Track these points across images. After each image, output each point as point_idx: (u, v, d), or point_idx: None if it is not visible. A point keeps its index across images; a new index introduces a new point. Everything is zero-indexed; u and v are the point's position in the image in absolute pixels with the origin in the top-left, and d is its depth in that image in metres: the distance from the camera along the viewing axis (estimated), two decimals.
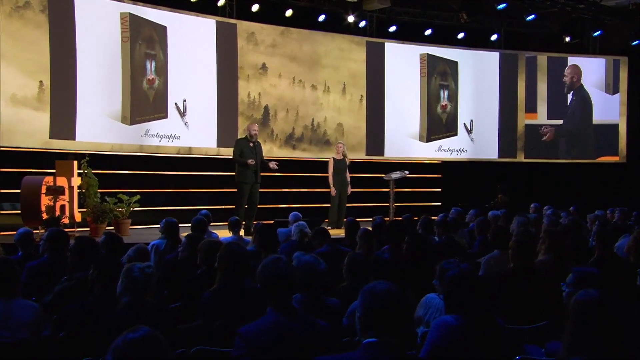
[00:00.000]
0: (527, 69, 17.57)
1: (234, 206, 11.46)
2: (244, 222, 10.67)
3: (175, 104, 13.42)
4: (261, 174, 11.68)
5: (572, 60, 17.77)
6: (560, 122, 17.73)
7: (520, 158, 17.59)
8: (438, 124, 16.85)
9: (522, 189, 16.14)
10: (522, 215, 8.56)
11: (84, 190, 11.22)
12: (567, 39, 16.15)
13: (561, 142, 17.79)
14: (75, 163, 11.11)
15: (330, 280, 4.68)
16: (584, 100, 17.83)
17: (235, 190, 11.52)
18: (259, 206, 11.67)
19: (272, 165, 11.69)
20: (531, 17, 15.93)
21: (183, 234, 6.93)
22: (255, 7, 14.46)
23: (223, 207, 12.64)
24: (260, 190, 11.62)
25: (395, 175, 13.51)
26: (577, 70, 17.78)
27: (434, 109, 16.79)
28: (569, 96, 17.83)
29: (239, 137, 12.60)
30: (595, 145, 17.92)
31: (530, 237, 6.40)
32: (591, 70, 17.92)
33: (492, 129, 17.33)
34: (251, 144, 11.52)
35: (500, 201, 15.48)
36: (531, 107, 17.57)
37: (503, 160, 17.43)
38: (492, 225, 7.92)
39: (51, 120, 11.56)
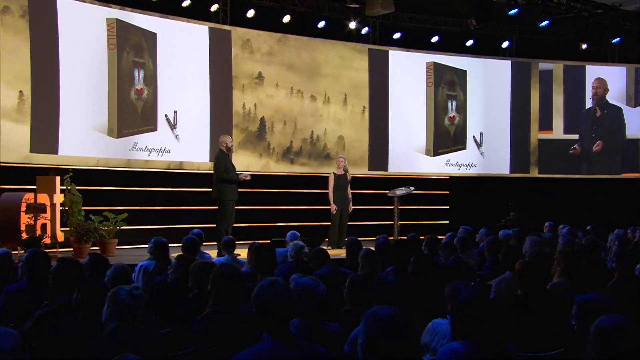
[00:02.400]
0: (541, 79, 17.61)
1: (214, 225, 11.42)
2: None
3: (166, 115, 13.45)
4: (239, 189, 11.65)
5: (591, 69, 17.80)
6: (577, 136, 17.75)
7: (534, 173, 17.60)
8: (445, 136, 16.88)
9: (535, 207, 16.12)
10: (535, 235, 8.56)
11: (67, 208, 11.23)
12: (584, 46, 16.18)
13: (587, 158, 17.80)
14: (58, 179, 11.12)
15: (330, 304, 4.68)
16: (618, 115, 17.82)
17: (217, 207, 11.45)
18: (252, 225, 11.65)
19: (244, 175, 11.57)
20: (545, 23, 15.99)
21: (173, 255, 6.93)
22: (250, 13, 14.54)
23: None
24: (255, 207, 11.61)
25: (400, 191, 13.52)
26: (603, 83, 17.77)
27: (441, 121, 16.83)
28: (588, 109, 17.80)
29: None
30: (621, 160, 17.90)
31: (544, 258, 6.40)
32: (611, 81, 17.90)
33: (503, 142, 17.35)
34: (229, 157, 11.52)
35: (513, 219, 15.48)
36: (546, 123, 17.56)
37: (515, 175, 17.44)
38: (504, 245, 7.91)
39: (32, 133, 11.56)
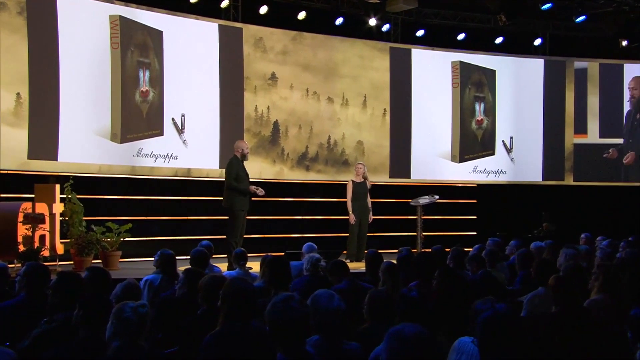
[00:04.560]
0: (577, 79, 17.52)
1: (224, 236, 11.47)
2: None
3: (172, 119, 13.50)
4: (252, 198, 11.68)
5: (630, 67, 17.66)
6: (617, 141, 17.60)
7: (569, 181, 17.51)
8: (473, 141, 16.85)
9: (570, 217, 16.06)
10: (571, 247, 8.50)
11: (67, 218, 11.25)
12: (624, 43, 16.10)
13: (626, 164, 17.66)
14: (58, 187, 11.15)
15: (349, 321, 4.67)
16: None
17: (227, 218, 11.49)
18: (265, 236, 11.66)
19: (259, 191, 11.57)
20: (581, 18, 15.93)
21: (181, 268, 6.94)
22: (263, 9, 14.57)
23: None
24: (269, 217, 11.61)
25: (424, 200, 13.50)
26: None
27: (468, 125, 16.80)
28: (628, 111, 17.66)
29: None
30: None
31: (580, 273, 6.36)
32: None
33: (535, 147, 17.29)
34: (242, 164, 11.54)
35: (546, 230, 15.41)
36: (581, 126, 17.48)
37: (548, 183, 17.38)
38: (536, 259, 7.88)
39: (30, 138, 11.62)
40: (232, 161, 11.53)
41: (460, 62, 16.71)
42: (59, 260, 10.96)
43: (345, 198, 12.98)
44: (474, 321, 4.25)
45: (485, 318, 3.65)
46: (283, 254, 10.34)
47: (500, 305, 3.86)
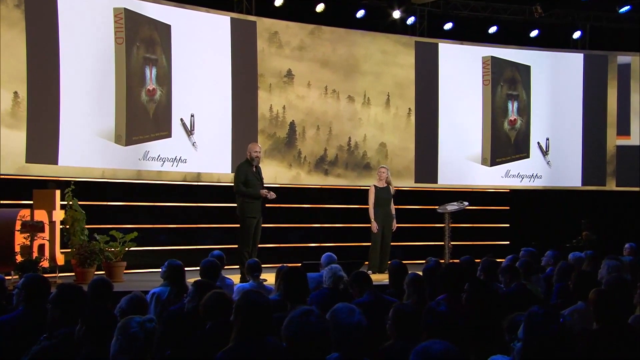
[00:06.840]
0: (620, 75, 17.41)
1: (236, 246, 11.47)
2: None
3: (181, 119, 13.55)
4: (267, 205, 11.61)
5: None
6: None
7: (611, 186, 17.41)
8: (505, 143, 16.80)
9: (613, 225, 15.97)
10: (613, 258, 8.46)
11: (68, 227, 11.30)
12: None
13: None
14: (58, 193, 11.21)
15: (371, 337, 4.67)
16: None
17: (239, 225, 11.47)
18: (280, 245, 11.65)
19: (270, 194, 11.55)
20: (625, 8, 15.84)
21: (190, 280, 6.97)
22: (278, 1, 14.59)
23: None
24: (284, 225, 11.59)
25: (452, 207, 13.48)
26: None
27: (500, 125, 16.75)
28: None
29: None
30: None
31: (624, 287, 6.33)
32: None
33: (574, 150, 17.21)
34: (254, 168, 11.53)
35: (585, 240, 15.34)
36: (624, 126, 17.37)
37: (588, 188, 17.28)
38: (575, 271, 7.84)
39: (28, 140, 11.66)
40: (241, 165, 11.54)
41: (492, 57, 16.66)
42: (60, 272, 11.03)
43: (367, 204, 12.97)
44: (511, 332, 4.23)
45: (549, 334, 3.60)
46: (300, 264, 10.35)
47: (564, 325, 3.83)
